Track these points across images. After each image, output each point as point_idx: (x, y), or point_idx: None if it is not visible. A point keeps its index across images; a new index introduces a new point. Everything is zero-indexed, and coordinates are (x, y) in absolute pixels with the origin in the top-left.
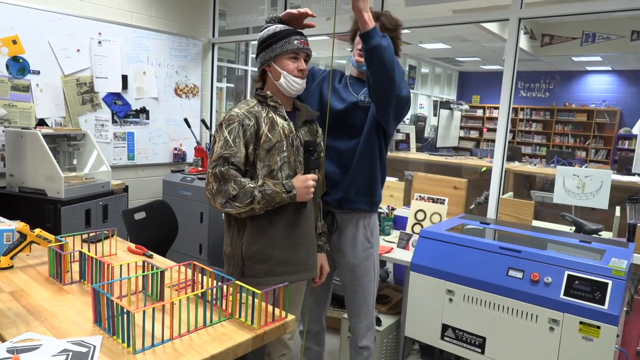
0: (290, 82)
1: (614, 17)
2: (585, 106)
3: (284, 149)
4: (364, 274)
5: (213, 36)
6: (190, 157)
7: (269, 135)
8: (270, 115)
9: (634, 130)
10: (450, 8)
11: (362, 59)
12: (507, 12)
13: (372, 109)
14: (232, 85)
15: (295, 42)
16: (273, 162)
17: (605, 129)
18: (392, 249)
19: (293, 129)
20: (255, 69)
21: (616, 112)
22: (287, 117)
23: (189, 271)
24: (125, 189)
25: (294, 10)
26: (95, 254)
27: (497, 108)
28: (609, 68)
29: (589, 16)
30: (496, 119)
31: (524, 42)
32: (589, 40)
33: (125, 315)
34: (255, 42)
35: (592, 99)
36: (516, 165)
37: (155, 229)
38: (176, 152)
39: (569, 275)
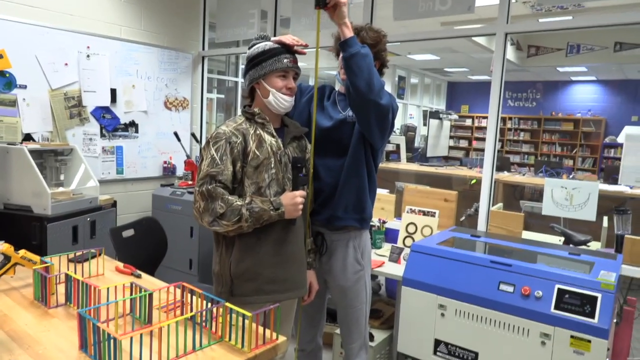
0: (278, 99)
1: (598, 28)
2: (572, 115)
3: (272, 166)
4: (355, 296)
5: (203, 49)
6: (180, 170)
7: (257, 153)
8: (258, 132)
9: (619, 139)
10: (439, 21)
11: (344, 77)
12: (493, 27)
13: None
14: (222, 96)
15: (285, 60)
16: (261, 179)
17: (591, 137)
18: (383, 263)
19: (281, 145)
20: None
21: (601, 121)
22: (275, 134)
23: (178, 291)
24: (114, 204)
25: (287, 40)
26: (82, 275)
27: (485, 117)
28: (593, 78)
29: None
30: (485, 128)
31: (510, 53)
32: (573, 51)
33: (111, 341)
34: (245, 54)
35: (578, 108)
36: (505, 176)
37: (144, 247)
38: (166, 165)
39: (559, 289)
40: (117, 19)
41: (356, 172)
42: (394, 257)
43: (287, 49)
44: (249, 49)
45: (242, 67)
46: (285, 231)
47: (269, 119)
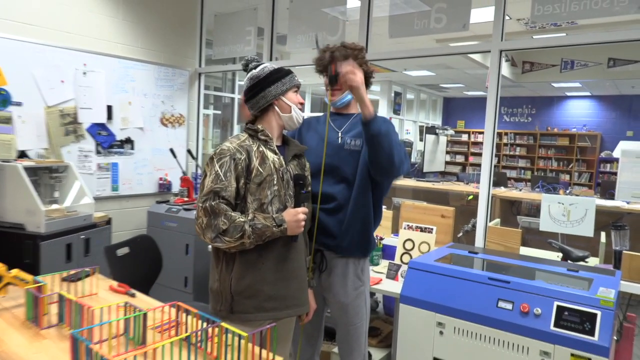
0: (298, 114)
1: (591, 45)
2: (567, 130)
3: (275, 182)
4: (356, 312)
5: (200, 65)
6: (176, 187)
7: (260, 169)
8: (261, 149)
9: (615, 154)
10: (434, 38)
11: (335, 98)
12: (488, 44)
13: (364, 154)
14: (218, 112)
15: (296, 78)
16: (264, 195)
17: (587, 152)
18: (381, 280)
19: (283, 162)
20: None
21: (597, 136)
22: (277, 151)
23: (173, 311)
24: (109, 221)
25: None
26: (75, 294)
27: (481, 133)
28: (588, 93)
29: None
30: (481, 143)
31: (505, 69)
32: (567, 67)
33: None
34: (241, 71)
35: (573, 123)
36: (502, 191)
37: (139, 265)
38: (161, 182)
39: (558, 306)
40: (114, 37)
41: (364, 206)
42: (392, 274)
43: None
44: (250, 70)
45: (239, 83)
46: (287, 248)
47: (272, 136)
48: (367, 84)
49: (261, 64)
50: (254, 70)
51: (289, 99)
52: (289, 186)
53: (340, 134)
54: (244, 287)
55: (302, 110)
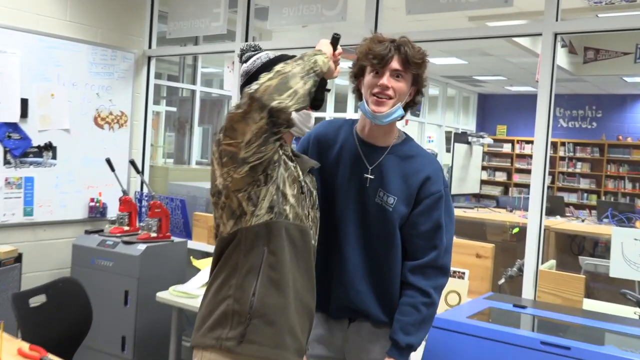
0: (306, 114)
1: None
2: None
3: (294, 192)
4: None
5: (149, 47)
6: (113, 211)
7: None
8: (280, 152)
9: None
10: (466, 15)
11: (382, 108)
12: (539, 25)
13: (397, 220)
14: (173, 109)
15: None
16: (289, 193)
17: None
18: None
19: (300, 174)
20: (208, 89)
21: None
22: (294, 159)
23: None
24: (18, 258)
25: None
26: None
27: (530, 142)
28: None
29: None
30: (529, 156)
31: (562, 58)
32: None
33: None
34: (206, 54)
35: None
36: (558, 222)
37: (59, 320)
38: (93, 204)
39: None
40: (33, 6)
41: (395, 275)
42: None
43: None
44: (245, 61)
45: (201, 71)
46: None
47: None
48: (414, 102)
49: (257, 53)
50: (245, 64)
51: None
52: (305, 204)
53: (369, 173)
54: (268, 308)
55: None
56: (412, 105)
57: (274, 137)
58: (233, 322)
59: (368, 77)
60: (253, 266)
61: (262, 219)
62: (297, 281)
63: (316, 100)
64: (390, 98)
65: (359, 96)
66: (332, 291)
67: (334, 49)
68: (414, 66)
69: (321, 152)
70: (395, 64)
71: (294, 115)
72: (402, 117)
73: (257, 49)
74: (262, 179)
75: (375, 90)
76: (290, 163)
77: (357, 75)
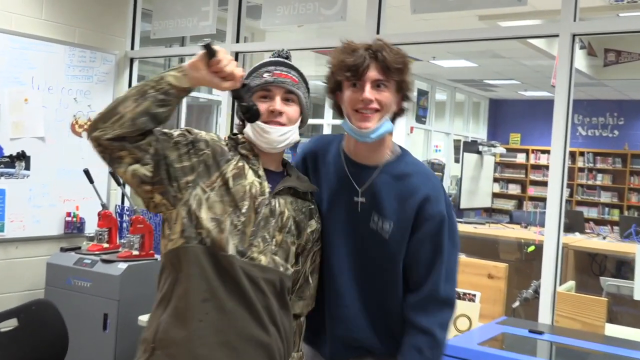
0: (257, 130)
1: None
2: None
3: (243, 211)
4: None
5: (132, 48)
6: (91, 227)
7: (229, 184)
8: (241, 164)
9: None
10: (476, 14)
11: (368, 124)
12: (556, 26)
13: (393, 249)
14: None
15: (265, 75)
16: (225, 218)
17: None
18: None
19: (267, 191)
20: (196, 94)
21: None
22: (262, 174)
23: None
24: None
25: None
26: None
27: (546, 152)
28: None
29: None
30: (545, 167)
31: (580, 61)
32: None
33: None
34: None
35: None
36: (577, 239)
37: (32, 346)
38: (70, 219)
39: None
40: (5, 3)
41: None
42: None
43: (280, 60)
44: None
45: None
46: (245, 302)
47: (260, 154)
48: (400, 111)
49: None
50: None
51: None
52: (266, 225)
53: (360, 195)
54: (171, 340)
55: (276, 122)
56: (399, 114)
57: (119, 163)
58: (142, 351)
59: (347, 93)
60: (165, 294)
61: (177, 244)
62: (221, 312)
63: (246, 113)
64: (377, 111)
65: (339, 113)
66: (328, 329)
67: (210, 57)
68: (395, 72)
69: (310, 173)
70: (374, 74)
71: (248, 130)
72: (390, 132)
73: (282, 55)
74: (171, 200)
75: (358, 106)
76: (252, 179)
77: (334, 90)
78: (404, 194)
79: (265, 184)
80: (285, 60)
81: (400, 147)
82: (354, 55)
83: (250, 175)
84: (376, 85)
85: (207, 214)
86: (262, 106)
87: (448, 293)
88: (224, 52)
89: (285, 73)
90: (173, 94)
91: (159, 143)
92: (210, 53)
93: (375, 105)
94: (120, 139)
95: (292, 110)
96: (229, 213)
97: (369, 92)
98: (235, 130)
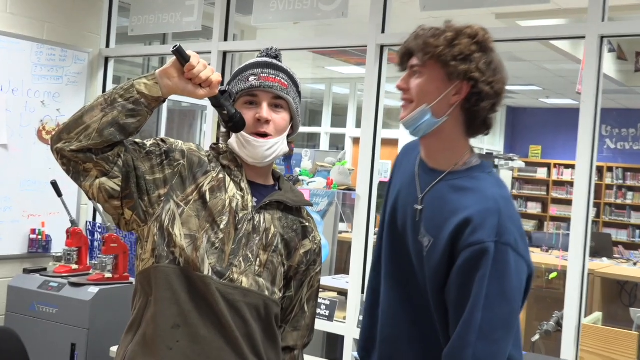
0: (242, 142)
1: None
2: None
3: (221, 227)
4: None
5: (107, 45)
6: (58, 245)
7: (206, 196)
8: (221, 176)
9: None
10: (492, 12)
11: (403, 114)
12: (582, 26)
13: (434, 265)
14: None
15: (251, 78)
16: (200, 235)
17: None
18: None
19: (250, 206)
20: (177, 97)
21: None
22: (246, 188)
23: None
24: None
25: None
26: None
27: (570, 167)
28: None
29: None
30: (570, 184)
31: (609, 65)
32: None
33: None
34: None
35: None
36: (605, 265)
37: None
38: (34, 237)
39: None
40: None
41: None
42: None
43: (267, 62)
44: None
45: None
46: (220, 330)
47: (244, 165)
48: (476, 126)
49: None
50: None
51: None
52: (248, 243)
53: (419, 203)
54: None
55: (258, 134)
56: (464, 106)
57: (84, 176)
58: None
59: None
60: (134, 319)
61: (147, 264)
62: (194, 339)
63: (228, 122)
64: (411, 101)
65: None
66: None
67: (182, 63)
68: (430, 55)
69: (393, 175)
70: (412, 60)
71: (232, 140)
72: (435, 128)
73: (270, 54)
74: (141, 216)
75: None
76: (233, 192)
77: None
78: (451, 209)
79: (249, 197)
80: (274, 61)
81: (486, 163)
82: (406, 42)
83: (231, 188)
84: (413, 72)
85: (181, 231)
86: (248, 114)
87: (479, 356)
88: (197, 57)
89: (273, 76)
90: (143, 103)
91: (129, 154)
92: (182, 58)
93: (406, 95)
94: (86, 150)
95: (281, 118)
96: (205, 229)
97: (400, 79)
98: (221, 139)
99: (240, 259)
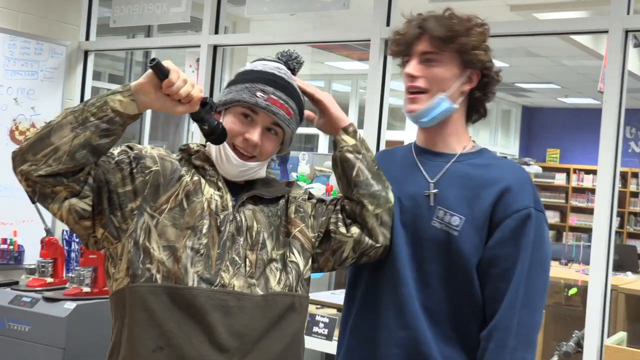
0: (222, 155)
1: None
2: None
3: (203, 232)
4: None
5: (87, 38)
6: (32, 257)
7: (183, 204)
8: (196, 178)
9: None
10: (507, 3)
11: (417, 106)
12: (604, 19)
13: (470, 242)
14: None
15: (259, 94)
16: (181, 245)
17: None
18: None
19: (229, 205)
20: None
21: None
22: (223, 187)
23: None
24: None
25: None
26: None
27: (591, 172)
28: None
29: None
30: (591, 190)
31: (634, 62)
32: None
33: None
34: (162, 49)
35: None
36: (630, 280)
37: None
38: (5, 247)
39: None
40: None
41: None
42: None
43: (279, 81)
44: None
45: None
46: (206, 332)
47: (218, 166)
48: (477, 111)
49: (276, 60)
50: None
51: (226, 122)
52: (233, 245)
53: (432, 188)
54: None
55: (242, 155)
56: (476, 94)
57: (52, 199)
58: None
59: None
60: (114, 344)
61: (122, 284)
62: (180, 359)
63: (210, 135)
64: (424, 92)
65: None
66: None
67: (161, 77)
68: (448, 41)
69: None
70: (422, 47)
71: (211, 149)
72: (451, 114)
73: (282, 60)
74: (114, 233)
75: (407, 84)
76: (211, 193)
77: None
78: (480, 184)
79: (228, 196)
80: (290, 82)
81: (482, 146)
82: (407, 27)
83: (207, 189)
84: (425, 59)
85: (158, 243)
86: (237, 126)
87: (524, 324)
88: (177, 72)
89: (282, 102)
90: (118, 122)
91: (99, 167)
92: (160, 73)
93: (418, 84)
94: (56, 174)
95: (271, 144)
96: (186, 237)
97: (413, 67)
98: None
99: (227, 263)
